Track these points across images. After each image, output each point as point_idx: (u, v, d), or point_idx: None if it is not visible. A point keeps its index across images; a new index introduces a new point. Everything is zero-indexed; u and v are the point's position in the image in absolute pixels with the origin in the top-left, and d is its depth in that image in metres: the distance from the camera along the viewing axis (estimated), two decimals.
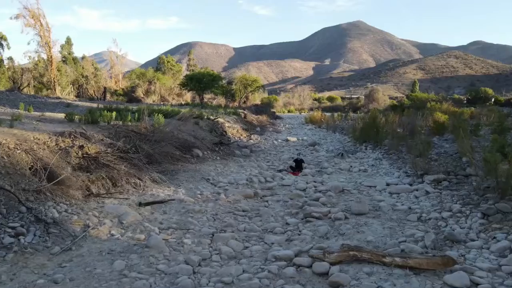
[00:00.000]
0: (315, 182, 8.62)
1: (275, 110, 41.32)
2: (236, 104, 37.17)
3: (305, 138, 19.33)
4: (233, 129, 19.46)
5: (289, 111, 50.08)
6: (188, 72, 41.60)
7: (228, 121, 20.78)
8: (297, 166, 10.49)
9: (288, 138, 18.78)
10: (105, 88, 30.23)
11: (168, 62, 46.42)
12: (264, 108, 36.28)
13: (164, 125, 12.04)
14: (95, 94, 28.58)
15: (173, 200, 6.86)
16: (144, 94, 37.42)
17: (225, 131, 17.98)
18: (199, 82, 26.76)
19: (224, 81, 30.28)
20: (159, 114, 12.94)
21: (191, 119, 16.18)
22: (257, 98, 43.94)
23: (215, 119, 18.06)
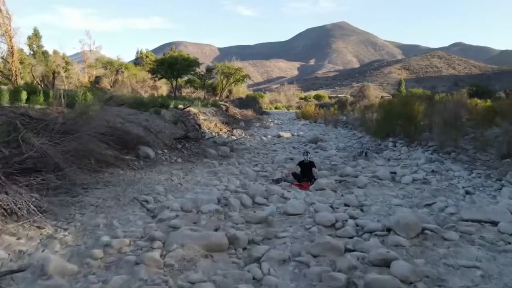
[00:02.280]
0: (347, 206, 4.57)
1: (261, 106, 37.29)
2: (217, 98, 32.89)
3: (301, 133, 15.32)
4: (210, 122, 15.26)
5: (276, 108, 46.14)
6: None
7: (204, 113, 16.56)
8: (305, 173, 6.45)
9: (281, 133, 14.73)
10: (54, 73, 25.43)
11: (147, 57, 41.78)
12: (250, 102, 32.15)
13: (95, 110, 7.71)
14: (38, 81, 23.69)
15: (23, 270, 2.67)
16: (111, 86, 32.63)
17: (199, 124, 13.77)
18: (171, 67, 22.29)
19: (200, 69, 25.86)
20: (92, 96, 8.66)
21: (150, 109, 11.90)
22: (241, 92, 39.69)
23: (184, 108, 13.83)
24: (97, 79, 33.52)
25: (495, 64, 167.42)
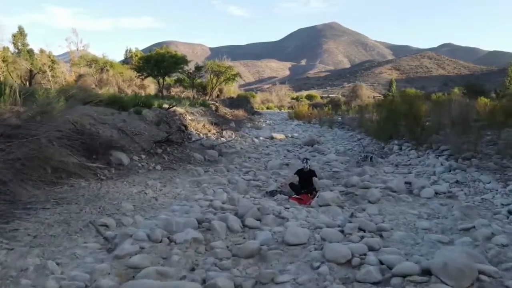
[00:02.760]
0: (362, 231, 3.59)
1: (253, 106, 36.29)
2: (208, 98, 31.77)
3: (295, 135, 14.38)
4: (198, 123, 14.21)
5: (268, 108, 45.19)
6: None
7: (192, 113, 15.49)
8: (304, 184, 5.47)
9: (274, 135, 13.76)
10: (30, 71, 24.03)
11: (136, 55, 40.40)
12: (241, 102, 31.12)
13: (59, 109, 6.59)
14: (22, 80, 22.34)
15: None
16: (96, 85, 31.23)
17: (185, 125, 12.70)
18: (158, 65, 21.07)
19: (189, 67, 24.65)
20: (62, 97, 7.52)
21: (131, 108, 10.79)
22: (232, 92, 38.59)
23: (169, 108, 12.74)
24: (80, 78, 32.10)
25: (483, 65, 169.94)
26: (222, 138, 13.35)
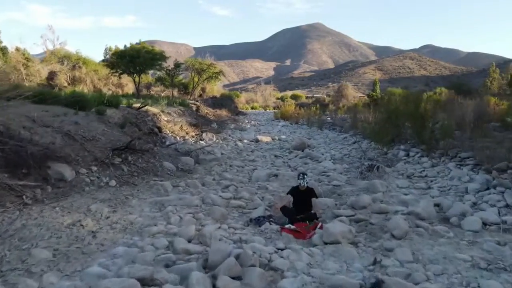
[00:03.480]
0: None
1: (237, 105, 34.89)
2: (189, 97, 30.13)
3: (283, 137, 13.06)
4: (175, 125, 12.71)
5: (252, 108, 43.86)
6: None
7: (168, 113, 13.96)
8: (300, 207, 4.14)
9: (259, 137, 12.40)
10: None
11: (110, 51, 38.11)
12: (224, 101, 29.67)
13: None
14: None
15: None
16: (69, 83, 29.12)
17: (159, 127, 11.19)
18: (132, 61, 19.33)
19: (168, 64, 22.95)
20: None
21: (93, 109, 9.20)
22: (216, 91, 37.02)
23: (141, 107, 11.17)
24: (51, 75, 29.84)
25: (463, 65, 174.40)
26: (202, 142, 11.91)
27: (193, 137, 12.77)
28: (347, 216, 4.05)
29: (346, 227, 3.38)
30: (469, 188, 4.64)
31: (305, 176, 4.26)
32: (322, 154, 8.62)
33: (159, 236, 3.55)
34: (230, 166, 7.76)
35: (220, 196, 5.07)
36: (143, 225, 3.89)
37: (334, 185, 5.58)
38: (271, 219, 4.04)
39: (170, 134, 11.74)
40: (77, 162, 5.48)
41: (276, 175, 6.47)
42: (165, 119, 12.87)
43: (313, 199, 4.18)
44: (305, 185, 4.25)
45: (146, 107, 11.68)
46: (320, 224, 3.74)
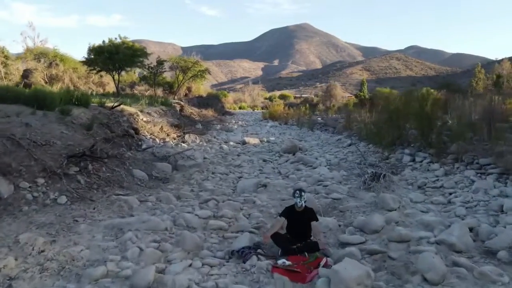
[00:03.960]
0: None
1: (224, 105, 33.88)
2: (175, 96, 28.92)
3: (272, 139, 12.15)
4: (155, 126, 11.64)
5: (240, 108, 42.90)
6: None
7: (148, 113, 12.87)
8: (296, 233, 3.22)
9: (246, 139, 11.45)
10: None
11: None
12: (211, 101, 28.62)
13: None
14: None
15: None
16: (46, 81, 27.57)
17: (136, 129, 10.12)
18: (111, 57, 18.08)
19: (150, 61, 21.74)
20: None
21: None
22: (202, 91, 35.87)
23: (115, 107, 10.07)
24: (27, 73, 28.22)
25: (448, 66, 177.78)
26: (184, 144, 10.89)
27: (174, 139, 11.74)
28: (355, 245, 3.15)
29: (363, 268, 2.47)
30: (505, 205, 3.80)
31: (303, 194, 3.34)
32: (316, 159, 7.72)
33: (105, 282, 2.57)
34: (213, 173, 6.79)
35: (196, 215, 4.11)
36: (88, 262, 2.90)
37: (334, 199, 4.68)
38: (259, 250, 3.10)
39: (148, 136, 10.69)
40: (19, 173, 4.42)
41: (265, 185, 5.54)
42: (144, 119, 11.79)
43: (313, 223, 3.27)
44: (303, 205, 3.34)
45: (121, 106, 10.58)
46: (324, 259, 2.84)
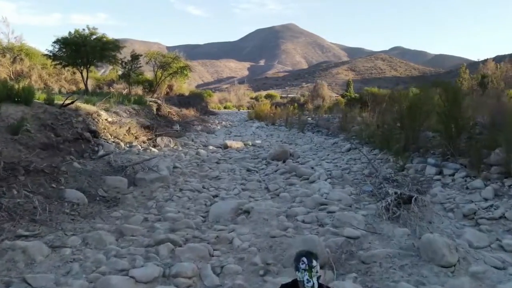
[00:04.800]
0: None
1: (208, 105, 32.17)
2: (154, 95, 26.99)
3: (258, 142, 10.59)
4: (121, 127, 9.90)
5: (225, 107, 41.30)
6: None
7: (115, 113, 11.10)
8: None
9: (228, 142, 9.84)
10: None
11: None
12: (193, 100, 26.91)
13: None
14: None
15: None
16: (12, 78, 25.17)
17: (94, 131, 8.39)
18: (77, 50, 16.11)
19: (123, 55, 19.81)
20: None
21: None
22: (185, 90, 34.03)
23: (66, 105, 8.29)
24: None
25: (431, 67, 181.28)
26: (153, 149, 9.22)
27: (144, 142, 10.04)
28: None
29: None
30: None
31: (314, 264, 1.75)
32: (313, 168, 6.21)
33: None
34: (181, 190, 5.18)
35: (132, 277, 2.50)
36: None
37: (349, 237, 3.16)
38: None
39: (111, 140, 8.97)
40: None
41: (247, 212, 3.97)
42: (109, 120, 10.04)
43: None
44: (315, 285, 1.77)
45: (76, 104, 8.81)
46: None
